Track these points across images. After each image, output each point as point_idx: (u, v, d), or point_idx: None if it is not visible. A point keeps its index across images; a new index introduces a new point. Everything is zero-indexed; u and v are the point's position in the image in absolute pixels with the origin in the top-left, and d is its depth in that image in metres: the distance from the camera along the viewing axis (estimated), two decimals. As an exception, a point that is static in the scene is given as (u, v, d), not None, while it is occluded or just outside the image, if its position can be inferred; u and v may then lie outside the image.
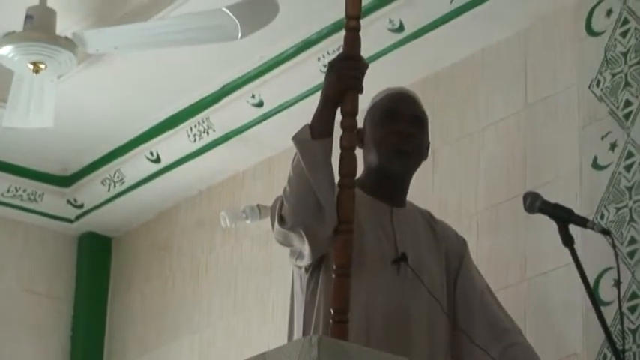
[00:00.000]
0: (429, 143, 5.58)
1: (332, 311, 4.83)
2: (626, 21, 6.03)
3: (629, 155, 5.83)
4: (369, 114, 5.46)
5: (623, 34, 6.05)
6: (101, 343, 9.14)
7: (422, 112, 5.56)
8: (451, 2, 6.71)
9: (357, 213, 5.07)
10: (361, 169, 5.31)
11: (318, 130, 5.01)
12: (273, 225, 5.18)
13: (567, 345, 5.77)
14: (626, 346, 5.25)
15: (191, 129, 8.16)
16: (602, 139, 5.97)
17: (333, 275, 4.85)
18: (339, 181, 4.95)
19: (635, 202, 5.76)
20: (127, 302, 9.10)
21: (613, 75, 6.04)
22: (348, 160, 4.94)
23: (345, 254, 4.83)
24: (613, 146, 5.90)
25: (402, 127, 5.42)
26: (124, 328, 9.05)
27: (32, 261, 8.99)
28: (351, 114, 5.01)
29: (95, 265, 9.19)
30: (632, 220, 5.73)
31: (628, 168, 5.83)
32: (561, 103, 6.37)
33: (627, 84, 5.96)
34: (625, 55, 6.00)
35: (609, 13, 6.07)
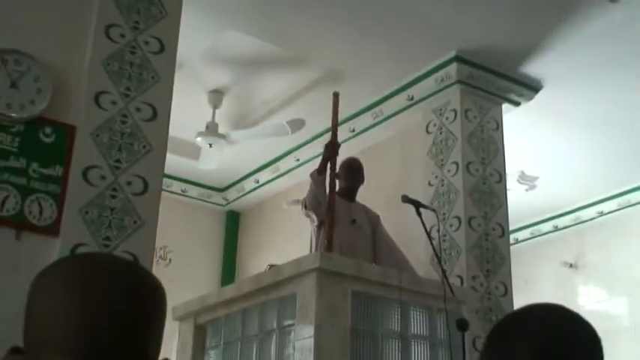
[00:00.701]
0: (364, 177, 5.59)
1: (326, 241, 4.90)
2: (440, 127, 5.89)
3: (442, 186, 5.79)
4: (341, 166, 5.48)
5: (429, 132, 6.00)
6: (234, 258, 8.74)
7: (361, 165, 5.59)
8: (373, 119, 6.53)
9: (337, 205, 5.13)
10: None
11: (320, 171, 5.17)
12: (302, 209, 5.32)
13: (419, 257, 5.57)
14: (442, 255, 5.14)
15: (270, 169, 7.96)
16: (430, 175, 5.89)
17: (327, 228, 4.96)
18: (329, 191, 5.04)
19: (440, 200, 5.75)
20: (244, 241, 8.78)
21: (434, 149, 5.86)
22: (332, 185, 5.04)
23: (331, 220, 4.94)
24: (432, 181, 5.86)
25: (353, 172, 5.54)
26: (243, 253, 8.74)
27: (205, 223, 8.73)
28: (333, 165, 5.12)
29: (232, 225, 8.88)
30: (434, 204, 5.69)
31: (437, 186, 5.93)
32: (415, 159, 6.16)
33: (440, 153, 5.88)
34: (441, 141, 5.87)
35: (435, 124, 5.94)
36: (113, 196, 3.51)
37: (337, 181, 5.36)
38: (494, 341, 1.32)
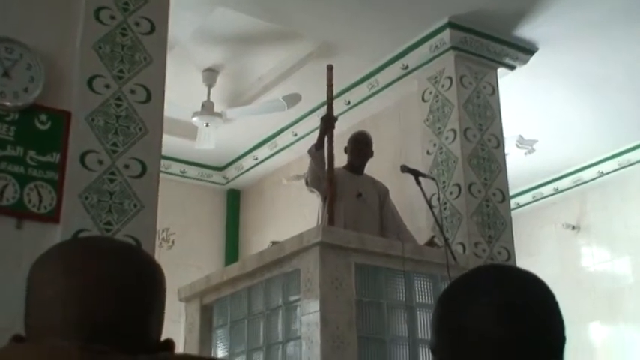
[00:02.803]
0: (372, 151, 5.54)
1: (328, 215, 4.95)
2: (436, 95, 5.89)
3: (440, 154, 5.78)
4: (349, 140, 5.53)
5: (425, 100, 6.04)
6: (237, 236, 8.77)
7: (369, 140, 5.57)
8: (369, 90, 6.53)
9: (343, 179, 5.23)
10: (340, 163, 5.25)
11: (317, 146, 5.15)
12: (306, 186, 5.30)
13: (420, 226, 5.65)
14: (443, 223, 5.30)
15: (268, 146, 7.98)
16: (428, 143, 5.90)
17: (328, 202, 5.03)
18: (328, 165, 5.07)
19: (439, 168, 5.76)
20: (246, 218, 8.75)
21: (431, 117, 5.87)
22: (330, 158, 5.07)
23: (332, 194, 4.99)
24: (430, 150, 5.86)
25: (360, 147, 5.51)
26: (245, 230, 8.72)
27: (205, 203, 8.68)
28: (330, 138, 5.12)
29: (233, 203, 8.88)
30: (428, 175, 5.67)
31: (435, 153, 5.87)
32: (413, 128, 6.14)
33: (437, 120, 5.89)
34: (438, 108, 5.86)
35: (431, 92, 5.95)
36: (112, 180, 3.51)
37: (346, 155, 5.49)
38: (452, 299, 1.31)
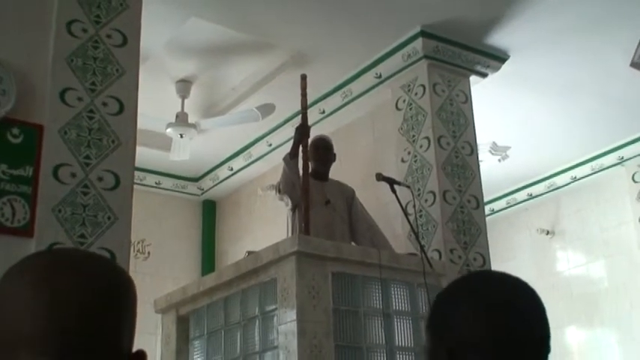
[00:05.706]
0: (335, 155, 5.62)
1: (303, 224, 4.90)
2: (410, 103, 5.87)
3: (415, 161, 5.79)
4: (309, 146, 5.36)
5: (399, 109, 6.03)
6: (213, 247, 8.68)
7: (328, 144, 5.62)
8: (343, 99, 6.52)
9: (310, 187, 5.10)
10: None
11: (292, 155, 5.19)
12: (276, 194, 5.37)
13: (396, 232, 5.62)
14: (419, 230, 5.29)
15: (243, 156, 7.91)
16: (403, 151, 5.90)
17: (303, 211, 5.02)
18: (302, 174, 5.05)
19: (414, 176, 5.77)
20: (222, 229, 8.71)
21: (405, 125, 5.88)
22: (305, 167, 5.06)
23: (306, 202, 4.93)
24: (405, 158, 5.86)
25: (320, 152, 5.53)
26: (221, 241, 8.65)
27: (181, 214, 8.64)
28: (305, 147, 5.14)
29: (209, 214, 8.82)
30: (411, 181, 5.71)
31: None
32: (387, 137, 6.14)
33: (411, 129, 5.91)
34: (412, 117, 5.89)
35: (404, 101, 5.96)
36: (85, 193, 3.50)
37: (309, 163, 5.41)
38: (446, 302, 1.34)
